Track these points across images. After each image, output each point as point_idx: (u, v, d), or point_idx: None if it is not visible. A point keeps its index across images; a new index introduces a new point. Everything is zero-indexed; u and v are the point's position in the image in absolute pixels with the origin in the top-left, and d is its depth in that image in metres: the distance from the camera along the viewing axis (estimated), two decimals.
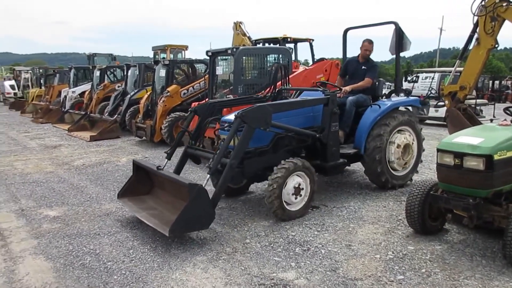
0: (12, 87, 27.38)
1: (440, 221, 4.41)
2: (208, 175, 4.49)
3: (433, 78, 19.49)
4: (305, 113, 5.43)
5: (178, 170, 5.36)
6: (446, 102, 8.51)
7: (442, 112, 12.94)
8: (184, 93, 10.65)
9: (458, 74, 9.13)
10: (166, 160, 5.36)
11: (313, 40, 13.47)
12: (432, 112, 14.13)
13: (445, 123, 11.99)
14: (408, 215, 4.35)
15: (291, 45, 13.17)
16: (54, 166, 8.23)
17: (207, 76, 10.03)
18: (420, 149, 6.34)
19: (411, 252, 4.03)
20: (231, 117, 4.96)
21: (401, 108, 6.29)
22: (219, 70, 8.99)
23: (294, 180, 4.83)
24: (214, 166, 4.48)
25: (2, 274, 3.69)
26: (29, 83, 26.15)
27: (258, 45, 13.16)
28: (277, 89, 6.25)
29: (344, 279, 3.54)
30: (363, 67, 6.18)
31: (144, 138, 10.74)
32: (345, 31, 6.95)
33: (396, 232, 4.55)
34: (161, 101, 10.22)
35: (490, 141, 3.75)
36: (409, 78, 32.47)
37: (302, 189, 4.94)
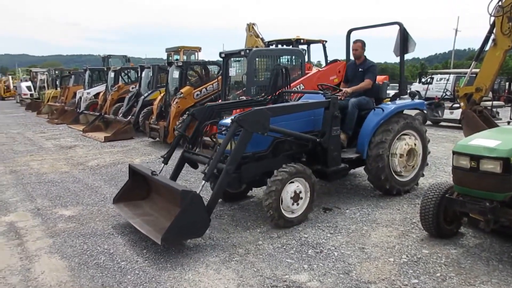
0: (28, 88, 27.84)
1: (455, 224, 4.35)
2: (204, 181, 4.32)
3: (448, 80, 19.29)
4: (305, 116, 5.29)
5: (175, 174, 5.27)
6: (462, 104, 8.41)
7: (457, 114, 12.78)
8: (197, 95, 10.69)
9: (474, 75, 9.01)
10: (163, 164, 5.27)
11: (326, 41, 13.41)
12: (447, 114, 13.95)
13: (460, 125, 11.84)
14: (422, 218, 4.30)
15: (304, 47, 13.14)
16: (69, 166, 8.34)
17: (220, 77, 10.07)
18: (426, 152, 6.15)
19: (426, 255, 3.98)
20: (229, 121, 4.79)
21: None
22: (232, 72, 9.00)
23: (293, 186, 4.68)
24: (209, 172, 4.34)
25: (18, 273, 3.75)
26: (45, 85, 26.51)
27: (271, 47, 13.17)
28: (277, 92, 6.09)
29: (357, 282, 3.51)
30: (360, 69, 6.05)
31: (157, 139, 10.81)
32: (349, 32, 6.83)
33: (410, 235, 4.50)
34: (174, 103, 10.28)
35: (507, 143, 3.69)
36: (423, 80, 32.14)
37: (301, 198, 4.78)
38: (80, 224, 4.98)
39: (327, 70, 9.22)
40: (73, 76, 21.11)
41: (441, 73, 25.79)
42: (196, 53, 19.19)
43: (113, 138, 11.55)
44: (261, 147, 4.88)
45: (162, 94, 11.45)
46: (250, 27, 13.75)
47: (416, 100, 6.33)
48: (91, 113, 15.14)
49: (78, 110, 16.45)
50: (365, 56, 6.11)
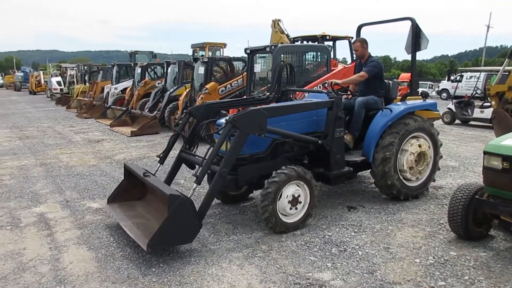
0: (58, 83, 28.56)
1: (485, 226, 4.23)
2: (195, 185, 4.07)
3: (478, 78, 18.75)
4: (308, 117, 5.03)
5: (171, 175, 5.10)
6: (493, 102, 8.18)
7: (487, 113, 12.44)
8: (222, 91, 10.76)
9: (507, 73, 8.72)
10: (159, 164, 5.10)
11: (352, 38, 13.23)
12: (477, 113, 13.56)
13: (491, 124, 11.51)
14: (450, 220, 4.19)
15: (330, 43, 13.03)
16: (97, 159, 8.52)
17: (245, 73, 10.10)
18: (437, 156, 5.77)
19: (453, 258, 3.88)
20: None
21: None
22: (257, 68, 9.02)
23: (291, 190, 4.44)
24: (201, 175, 4.12)
25: (48, 262, 3.86)
26: (74, 80, 27.17)
27: (296, 43, 13.10)
28: (281, 90, 5.82)
29: (382, 282, 3.46)
30: (363, 68, 5.69)
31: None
32: (359, 28, 6.60)
33: (437, 236, 4.40)
34: (199, 98, 10.36)
35: None
36: (452, 78, 31.35)
37: (300, 202, 4.54)
38: (107, 216, 5.08)
39: (353, 67, 9.11)
40: (101, 72, 21.55)
41: (471, 71, 25.08)
42: (221, 49, 19.28)
43: (139, 133, 11.74)
44: (259, 149, 4.68)
45: (187, 90, 11.57)
46: (276, 23, 13.71)
47: (428, 101, 5.93)
48: (118, 108, 15.42)
49: (105, 104, 16.78)
50: (369, 54, 5.76)
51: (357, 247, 4.15)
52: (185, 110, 5.62)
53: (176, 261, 3.86)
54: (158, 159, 5.17)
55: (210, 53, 18.11)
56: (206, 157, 4.29)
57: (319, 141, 4.85)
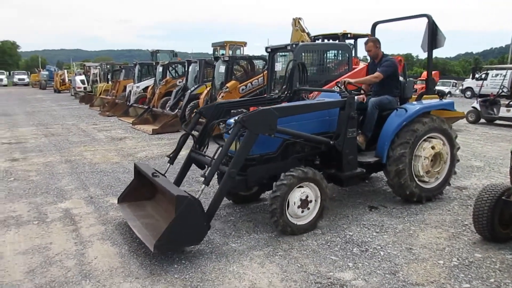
0: (82, 81, 29.10)
1: (511, 228, 4.13)
2: (203, 185, 4.03)
3: (504, 76, 18.25)
4: (320, 117, 4.92)
5: (181, 175, 5.08)
6: None
7: None
8: (243, 89, 10.78)
9: None
10: (169, 164, 5.08)
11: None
12: (503, 112, 13.23)
13: None
14: (475, 221, 4.11)
15: (351, 41, 12.89)
16: (120, 157, 8.67)
17: (265, 72, 10.10)
18: (454, 158, 5.57)
19: (479, 260, 3.81)
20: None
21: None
22: (277, 66, 9.01)
23: (301, 191, 4.37)
24: (209, 175, 4.05)
25: (73, 257, 3.96)
26: (98, 78, 27.60)
27: (317, 41, 13.02)
28: (293, 89, 5.71)
29: (404, 283, 3.42)
30: (378, 68, 5.51)
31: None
32: (374, 25, 6.48)
33: (462, 237, 4.32)
34: (220, 97, 10.41)
35: None
36: (477, 76, 30.62)
37: (311, 201, 4.45)
38: None
39: None
40: (123, 70, 21.85)
41: (497, 69, 24.44)
42: (241, 48, 19.34)
43: (160, 131, 11.88)
44: (269, 149, 4.61)
45: (208, 88, 11.64)
46: (296, 21, 13.63)
47: (445, 100, 5.72)
48: (140, 106, 15.64)
49: (127, 103, 17.02)
50: (382, 53, 5.62)
51: (379, 247, 4.11)
52: (195, 110, 5.57)
53: (198, 258, 3.90)
54: (168, 159, 5.15)
55: (230, 52, 18.17)
56: (215, 158, 4.25)
57: (331, 142, 4.76)
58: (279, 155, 4.66)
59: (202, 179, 4.01)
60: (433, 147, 5.24)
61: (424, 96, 5.98)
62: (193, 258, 3.89)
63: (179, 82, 14.75)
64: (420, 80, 36.39)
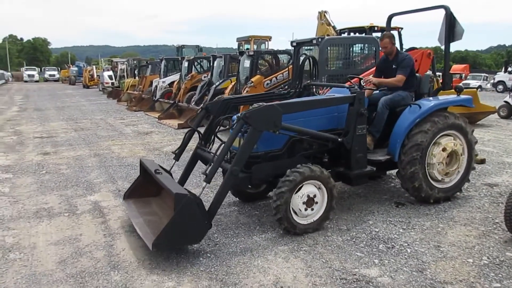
0: (110, 77, 29.68)
1: None
2: (205, 183, 3.94)
3: None
4: (328, 113, 4.76)
5: (187, 172, 5.02)
6: None
7: None
8: (268, 84, 10.76)
9: None
10: (174, 161, 5.03)
11: (402, 28, 12.79)
12: None
13: None
14: (507, 219, 3.99)
15: (378, 34, 12.65)
16: (146, 151, 8.82)
17: (290, 66, 10.05)
18: (472, 155, 5.29)
19: (510, 259, 3.70)
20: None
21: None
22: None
23: (306, 189, 4.22)
24: (211, 173, 3.94)
25: (102, 248, 4.06)
26: (125, 74, 28.09)
27: (343, 35, 12.85)
28: (303, 84, 5.53)
29: (432, 281, 3.36)
30: (393, 66, 5.27)
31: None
32: (389, 18, 6.18)
33: (492, 236, 4.20)
34: (245, 91, 10.43)
35: None
36: (509, 69, 29.51)
37: (316, 203, 4.30)
38: None
39: None
40: (150, 66, 22.15)
41: None
42: (266, 42, 19.27)
43: (186, 126, 11.98)
44: (274, 146, 4.48)
45: (233, 83, 11.68)
46: (322, 15, 13.49)
47: (463, 96, 5.38)
48: (166, 101, 15.82)
49: (154, 98, 17.27)
50: (397, 49, 5.38)
51: (406, 244, 4.05)
52: (201, 105, 5.50)
53: (222, 251, 3.94)
54: (174, 155, 5.09)
55: (255, 46, 18.15)
56: (217, 154, 4.16)
57: (339, 139, 4.59)
58: (285, 152, 4.53)
59: (205, 176, 3.96)
60: (446, 147, 4.99)
61: (441, 91, 5.75)
62: (218, 252, 3.93)
63: (204, 77, 14.85)
64: (450, 73, 35.49)
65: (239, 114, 4.16)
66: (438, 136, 4.98)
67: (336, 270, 3.56)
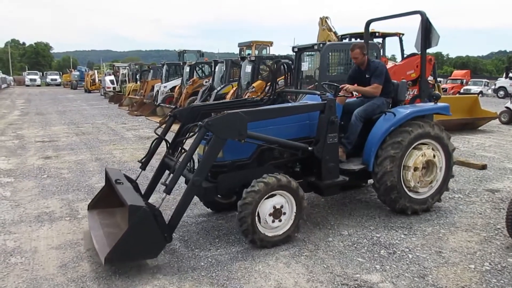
0: (111, 82, 29.83)
1: None
2: (164, 194, 3.78)
3: None
4: (299, 120, 4.56)
5: (153, 183, 4.85)
6: None
7: None
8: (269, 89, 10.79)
9: None
10: (141, 170, 4.86)
11: (403, 34, 12.84)
12: None
13: None
14: (509, 225, 3.98)
15: (379, 40, 12.71)
16: None
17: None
18: (450, 164, 5.08)
19: None
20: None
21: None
22: (304, 66, 8.99)
23: (273, 200, 4.03)
24: (171, 183, 3.79)
25: None
26: (126, 78, 28.24)
27: (344, 41, 12.90)
28: (277, 91, 5.35)
29: (434, 287, 3.35)
30: (366, 75, 5.09)
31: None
32: (367, 24, 6.10)
33: (494, 242, 4.20)
34: (246, 96, 10.46)
35: None
36: (510, 75, 29.50)
37: (284, 214, 4.11)
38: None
39: (404, 64, 8.88)
40: (151, 71, 22.27)
41: None
42: (267, 48, 19.37)
43: None
44: (242, 155, 4.29)
45: (234, 88, 11.72)
46: (323, 20, 13.55)
47: (440, 104, 5.19)
48: (167, 105, 15.87)
49: (155, 102, 17.33)
50: (368, 59, 5.15)
51: (407, 250, 4.05)
52: (169, 113, 5.06)
53: (223, 256, 3.94)
54: (153, 163, 4.83)
55: (256, 52, 18.23)
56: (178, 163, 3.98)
57: (309, 148, 4.41)
58: (253, 162, 4.35)
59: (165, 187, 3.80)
60: (423, 156, 4.82)
61: (417, 100, 5.62)
62: (219, 257, 3.93)
63: (206, 82, 14.92)
64: (451, 79, 35.43)
65: (200, 122, 3.93)
66: (413, 146, 4.81)
67: (338, 276, 3.56)
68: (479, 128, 11.82)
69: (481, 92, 28.75)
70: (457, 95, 26.23)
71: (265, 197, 3.99)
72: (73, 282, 3.48)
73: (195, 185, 3.81)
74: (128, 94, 22.72)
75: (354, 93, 5.37)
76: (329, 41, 12.01)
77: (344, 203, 5.40)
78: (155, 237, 3.57)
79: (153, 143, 4.93)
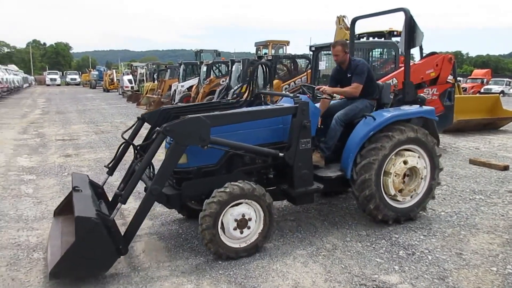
0: (129, 81, 30.19)
1: None
2: (119, 204, 3.60)
3: None
4: (271, 124, 4.27)
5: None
6: None
7: None
8: (286, 88, 10.80)
9: None
10: (108, 175, 4.66)
11: (422, 33, 12.67)
12: None
13: None
14: None
15: (398, 39, 12.56)
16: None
17: (309, 71, 10.05)
18: (435, 170, 4.76)
19: None
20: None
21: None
22: (321, 65, 8.96)
23: (238, 210, 3.79)
24: (126, 193, 3.62)
25: None
26: (144, 78, 28.52)
27: (362, 40, 12.79)
28: (254, 93, 5.11)
29: None
30: (348, 74, 4.82)
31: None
32: (353, 21, 5.87)
33: None
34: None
35: None
36: None
37: (250, 221, 3.85)
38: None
39: (424, 63, 8.75)
40: (169, 70, 22.45)
41: None
42: (284, 47, 19.35)
43: None
44: (208, 161, 4.03)
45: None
46: (340, 19, 13.47)
47: (425, 107, 4.89)
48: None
49: (172, 102, 17.47)
50: (350, 58, 4.89)
51: (427, 251, 3.99)
52: (138, 116, 4.84)
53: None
54: (123, 168, 4.60)
55: (273, 51, 18.22)
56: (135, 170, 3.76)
57: (280, 154, 4.11)
58: (221, 168, 4.09)
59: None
60: (406, 161, 4.52)
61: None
62: None
63: (223, 81, 14.98)
64: (471, 78, 34.81)
65: (158, 128, 3.73)
66: (394, 152, 4.50)
67: (356, 276, 3.54)
68: (501, 128, 11.58)
69: (502, 91, 28.18)
70: (477, 94, 25.77)
71: (228, 206, 3.76)
72: (93, 278, 3.53)
73: (153, 194, 3.60)
74: (146, 93, 22.91)
75: (337, 95, 5.09)
76: (347, 40, 11.95)
77: None
78: (106, 249, 3.36)
79: (120, 148, 4.67)
